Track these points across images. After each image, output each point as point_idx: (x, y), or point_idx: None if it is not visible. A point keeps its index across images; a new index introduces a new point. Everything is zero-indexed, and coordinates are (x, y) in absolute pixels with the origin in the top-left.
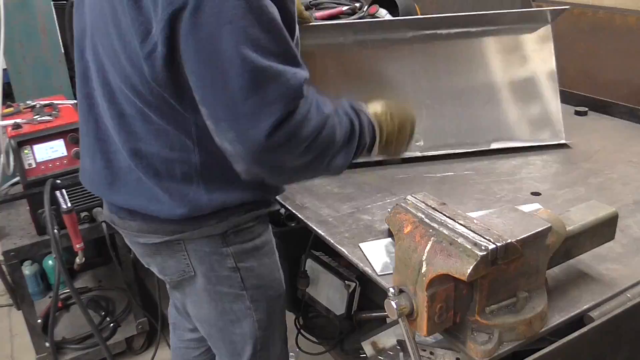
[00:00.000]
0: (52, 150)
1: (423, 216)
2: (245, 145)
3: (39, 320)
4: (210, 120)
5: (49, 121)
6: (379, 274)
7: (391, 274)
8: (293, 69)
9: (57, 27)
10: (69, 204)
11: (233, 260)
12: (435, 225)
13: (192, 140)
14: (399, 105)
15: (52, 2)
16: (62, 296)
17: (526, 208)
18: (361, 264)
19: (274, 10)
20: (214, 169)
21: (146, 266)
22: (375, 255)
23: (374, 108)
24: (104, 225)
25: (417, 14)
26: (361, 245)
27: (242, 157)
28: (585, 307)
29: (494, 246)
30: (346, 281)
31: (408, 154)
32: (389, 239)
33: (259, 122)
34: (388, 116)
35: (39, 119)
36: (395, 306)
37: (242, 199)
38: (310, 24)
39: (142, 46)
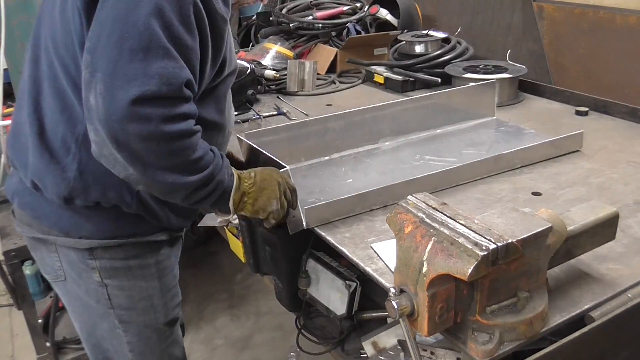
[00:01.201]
0: None
1: (424, 216)
2: (108, 104)
3: (40, 320)
4: (88, 69)
5: None
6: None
7: None
8: (185, 67)
9: None
10: None
11: (99, 275)
12: (436, 225)
13: (82, 108)
14: (267, 169)
15: None
16: None
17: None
18: (362, 264)
19: (200, 14)
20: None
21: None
22: (389, 255)
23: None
24: None
25: (417, 14)
26: (373, 245)
27: (100, 116)
28: (586, 307)
29: (494, 246)
30: (347, 281)
31: None
32: None
33: (130, 86)
34: (250, 173)
35: None
36: (396, 306)
37: (108, 196)
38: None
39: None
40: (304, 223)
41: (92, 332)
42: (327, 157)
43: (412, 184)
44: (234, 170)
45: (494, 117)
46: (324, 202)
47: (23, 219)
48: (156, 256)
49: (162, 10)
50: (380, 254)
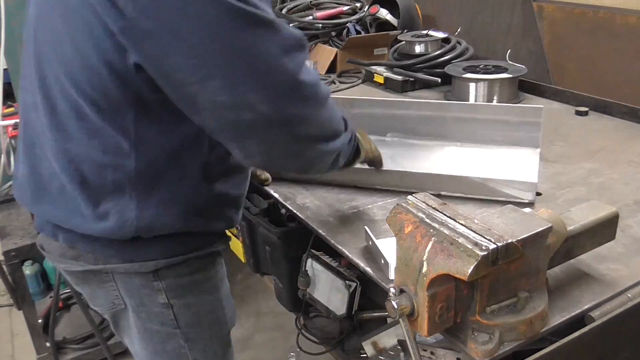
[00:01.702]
0: None
1: (424, 216)
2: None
3: (40, 320)
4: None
5: None
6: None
7: None
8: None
9: None
10: None
11: (165, 296)
12: (436, 225)
13: (130, 141)
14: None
15: None
16: (62, 296)
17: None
18: (362, 264)
19: None
20: (151, 180)
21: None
22: (391, 251)
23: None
24: None
25: (417, 14)
26: (377, 241)
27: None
28: (586, 307)
29: (494, 246)
30: (347, 281)
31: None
32: None
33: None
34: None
35: None
36: (395, 306)
37: (175, 225)
38: None
39: (115, 20)
40: None
41: (158, 354)
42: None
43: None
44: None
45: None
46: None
47: (67, 253)
48: (216, 266)
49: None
50: (382, 249)
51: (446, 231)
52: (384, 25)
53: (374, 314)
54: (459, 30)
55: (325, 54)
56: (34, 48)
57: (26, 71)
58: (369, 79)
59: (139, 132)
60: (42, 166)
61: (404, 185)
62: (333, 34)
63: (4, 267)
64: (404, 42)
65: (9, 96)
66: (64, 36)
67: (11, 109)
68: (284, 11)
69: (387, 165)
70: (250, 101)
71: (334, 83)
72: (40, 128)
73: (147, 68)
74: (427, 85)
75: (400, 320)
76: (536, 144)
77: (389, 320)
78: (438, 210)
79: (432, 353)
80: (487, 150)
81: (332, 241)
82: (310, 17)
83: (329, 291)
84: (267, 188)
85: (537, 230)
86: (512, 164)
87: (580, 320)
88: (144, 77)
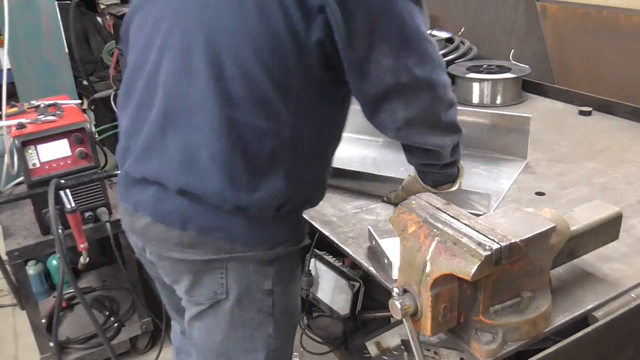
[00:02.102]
0: (56, 150)
1: (427, 216)
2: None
3: (43, 320)
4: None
5: (53, 121)
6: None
7: None
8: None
9: (61, 27)
10: (73, 204)
11: (271, 282)
12: (440, 225)
13: (291, 110)
14: None
15: (56, 2)
16: (66, 296)
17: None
18: (365, 264)
19: None
20: (303, 152)
21: (170, 283)
22: (394, 252)
23: None
24: (108, 225)
25: None
26: (380, 241)
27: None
28: (589, 307)
29: (498, 246)
30: (350, 281)
31: None
32: None
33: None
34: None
35: (43, 118)
36: (399, 306)
37: (306, 196)
38: None
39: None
40: None
41: (246, 341)
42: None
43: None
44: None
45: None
46: None
47: (187, 241)
48: (299, 258)
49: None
50: (385, 249)
51: (450, 231)
52: None
53: (378, 314)
54: (462, 30)
55: None
56: (190, 16)
57: (168, 40)
58: None
59: (299, 104)
60: (192, 135)
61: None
62: None
63: (8, 267)
64: None
65: (13, 96)
66: (248, 3)
67: (14, 109)
68: None
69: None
70: (408, 65)
71: None
72: (195, 96)
73: (329, 41)
74: None
75: (404, 320)
76: (524, 154)
77: (392, 320)
78: (441, 210)
79: (435, 353)
80: (471, 156)
81: (336, 241)
82: None
83: (332, 291)
84: None
85: (541, 230)
86: (490, 173)
87: (583, 320)
88: (321, 54)
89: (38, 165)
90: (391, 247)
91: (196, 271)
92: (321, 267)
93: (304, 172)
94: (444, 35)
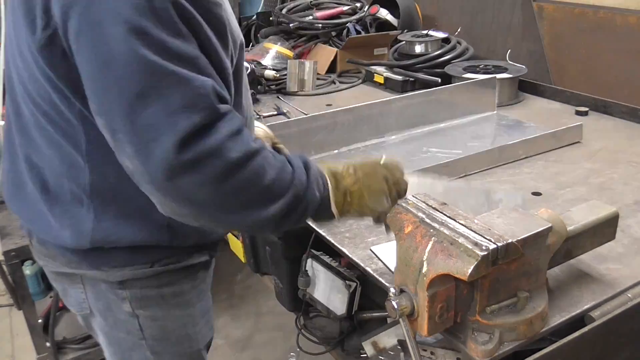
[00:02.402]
0: None
1: (424, 216)
2: (146, 163)
3: (40, 320)
4: (108, 133)
5: None
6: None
7: None
8: (202, 77)
9: None
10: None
11: (129, 305)
12: (436, 225)
13: (81, 155)
14: (367, 162)
15: None
16: None
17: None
18: (362, 264)
19: (186, 13)
20: (106, 194)
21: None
22: (388, 257)
23: (333, 165)
24: None
25: (417, 14)
26: (373, 248)
27: (145, 178)
28: (586, 307)
29: (494, 246)
30: (347, 281)
31: None
32: None
33: (160, 135)
34: (349, 169)
35: None
36: (396, 306)
37: (135, 238)
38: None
39: (33, 39)
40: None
41: None
42: (336, 151)
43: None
44: (326, 168)
45: (495, 112)
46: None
47: (43, 251)
48: (192, 281)
49: (142, 30)
50: (380, 256)
51: (446, 231)
52: (384, 25)
53: (374, 314)
54: (459, 30)
55: (325, 54)
56: (6, 50)
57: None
58: (369, 79)
59: (90, 147)
60: (19, 165)
61: None
62: (333, 34)
63: (4, 267)
64: (404, 42)
65: None
66: (14, 42)
67: None
68: (284, 11)
69: None
70: None
71: (334, 83)
72: (10, 129)
73: None
74: (427, 85)
75: (401, 320)
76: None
77: (389, 320)
78: (438, 210)
79: (432, 353)
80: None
81: (332, 241)
82: (310, 17)
83: (329, 291)
84: None
85: (537, 230)
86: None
87: (580, 320)
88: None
89: None
90: (385, 253)
91: (61, 280)
92: (318, 267)
93: (126, 214)
94: (441, 35)
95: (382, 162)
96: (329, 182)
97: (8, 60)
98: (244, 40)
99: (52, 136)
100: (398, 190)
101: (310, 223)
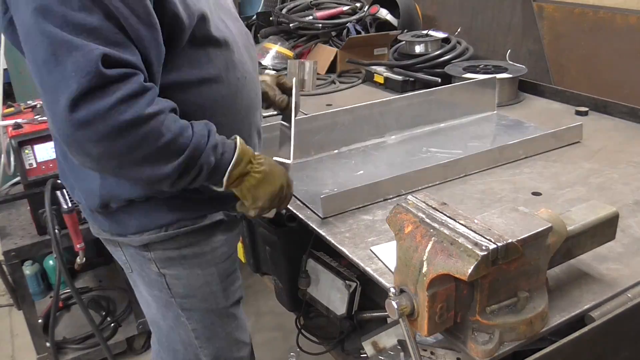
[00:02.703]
0: (52, 150)
1: (424, 216)
2: (53, 120)
3: (40, 320)
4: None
5: None
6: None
7: None
8: (92, 44)
9: None
10: (70, 204)
11: (156, 266)
12: (436, 225)
13: None
14: (277, 166)
15: None
16: (62, 296)
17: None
18: (362, 264)
19: None
20: None
21: None
22: (388, 257)
23: (250, 149)
24: None
25: (417, 14)
26: (373, 248)
27: (53, 132)
28: (586, 307)
29: (494, 246)
30: (347, 281)
31: None
32: None
33: (58, 96)
34: (262, 159)
35: (39, 119)
36: (396, 306)
37: (140, 192)
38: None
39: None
40: (321, 213)
41: (160, 323)
42: (336, 151)
43: (423, 174)
44: (243, 145)
45: (495, 112)
46: (339, 192)
47: (88, 219)
48: (211, 243)
49: (46, 7)
50: (380, 256)
51: (446, 231)
52: (384, 25)
53: (374, 314)
54: (459, 30)
55: (325, 54)
56: None
57: None
58: (369, 79)
59: None
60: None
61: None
62: (333, 34)
63: (4, 267)
64: (404, 42)
65: (9, 96)
66: None
67: (11, 109)
68: (284, 11)
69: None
70: None
71: (334, 83)
72: None
73: None
74: (427, 85)
75: (400, 320)
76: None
77: (389, 320)
78: (438, 210)
79: (432, 353)
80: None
81: (332, 241)
82: (310, 17)
83: (329, 291)
84: None
85: (537, 230)
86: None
87: (580, 320)
88: None
89: (34, 165)
90: (385, 253)
91: (109, 246)
92: (318, 267)
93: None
94: (441, 35)
95: (287, 173)
96: (235, 154)
97: None
98: (207, 11)
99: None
100: (281, 204)
101: (310, 222)
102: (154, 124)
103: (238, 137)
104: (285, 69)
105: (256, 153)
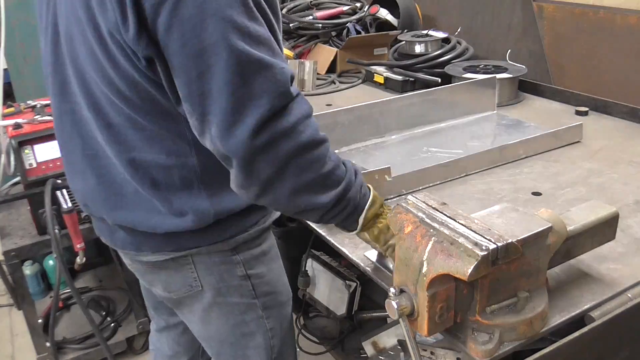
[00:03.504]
0: (52, 150)
1: (424, 216)
2: (229, 143)
3: (40, 320)
4: (195, 117)
5: (49, 121)
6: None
7: None
8: (281, 63)
9: None
10: (70, 204)
11: (243, 268)
12: (436, 225)
13: (187, 142)
14: None
15: None
16: (62, 296)
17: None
18: (362, 264)
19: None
20: (214, 171)
21: (147, 286)
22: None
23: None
24: None
25: (417, 14)
26: (366, 254)
27: (226, 156)
28: (586, 307)
29: (494, 246)
30: (347, 281)
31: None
32: None
33: (244, 117)
34: (384, 205)
35: (39, 118)
36: (396, 306)
37: (244, 203)
38: None
39: (125, 35)
40: None
41: (238, 327)
42: (336, 151)
43: (423, 174)
44: (372, 190)
45: (495, 112)
46: None
47: (145, 246)
48: (273, 237)
49: (232, 20)
50: (374, 260)
51: (446, 231)
52: (384, 25)
53: (374, 314)
54: (459, 30)
55: (325, 54)
56: (73, 68)
57: (56, 78)
58: (369, 79)
59: (193, 133)
60: (112, 173)
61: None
62: (333, 34)
63: (4, 267)
64: (404, 42)
65: (9, 96)
66: (100, 56)
67: (11, 109)
68: (284, 11)
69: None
70: None
71: (334, 83)
72: (99, 140)
73: None
74: (427, 85)
75: (400, 320)
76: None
77: (389, 320)
78: (438, 210)
79: (432, 353)
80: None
81: (332, 241)
82: (310, 17)
83: (329, 291)
84: None
85: (537, 230)
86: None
87: (580, 320)
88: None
89: (34, 165)
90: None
91: (165, 268)
92: (318, 267)
93: (225, 186)
94: (441, 35)
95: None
96: (370, 194)
97: (83, 75)
98: None
99: (153, 132)
100: None
101: (309, 223)
102: (323, 149)
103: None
104: None
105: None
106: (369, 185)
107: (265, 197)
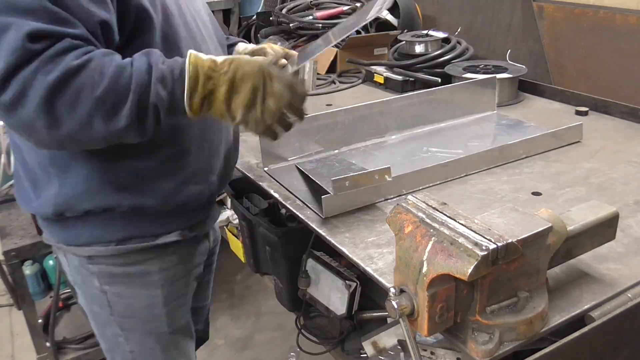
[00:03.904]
0: None
1: (424, 216)
2: None
3: (40, 320)
4: None
5: None
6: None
7: None
8: (26, 22)
9: None
10: None
11: (98, 281)
12: (436, 225)
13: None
14: (252, 60)
15: None
16: (62, 296)
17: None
18: (362, 264)
19: None
20: (66, 158)
21: None
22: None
23: (207, 60)
24: None
25: (417, 14)
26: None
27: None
28: (586, 307)
29: (494, 246)
30: (347, 281)
31: None
32: None
33: None
34: (224, 64)
35: None
36: (396, 306)
37: (97, 202)
38: None
39: None
40: (323, 213)
41: (102, 337)
42: (336, 151)
43: (423, 174)
44: (192, 64)
45: (495, 112)
46: (340, 192)
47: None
48: (160, 264)
49: None
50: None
51: (446, 231)
52: (384, 25)
53: (374, 314)
54: (459, 30)
55: (325, 54)
56: None
57: None
58: (369, 79)
59: None
60: (14, 152)
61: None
62: None
63: (4, 267)
64: (404, 42)
65: None
66: None
67: None
68: (284, 11)
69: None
70: None
71: (334, 83)
72: None
73: None
74: (427, 85)
75: (400, 320)
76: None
77: (389, 320)
78: (438, 210)
79: (432, 353)
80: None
81: (332, 241)
82: (310, 17)
83: (329, 291)
84: (266, 188)
85: (537, 230)
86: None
87: (580, 320)
88: None
89: None
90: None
91: (56, 252)
92: (318, 267)
93: (84, 176)
94: (441, 35)
95: (267, 62)
96: (186, 78)
97: None
98: (171, 7)
99: None
100: (278, 103)
101: (310, 222)
102: (87, 73)
103: (190, 53)
104: None
105: (219, 59)
106: (187, 61)
107: (63, 145)
